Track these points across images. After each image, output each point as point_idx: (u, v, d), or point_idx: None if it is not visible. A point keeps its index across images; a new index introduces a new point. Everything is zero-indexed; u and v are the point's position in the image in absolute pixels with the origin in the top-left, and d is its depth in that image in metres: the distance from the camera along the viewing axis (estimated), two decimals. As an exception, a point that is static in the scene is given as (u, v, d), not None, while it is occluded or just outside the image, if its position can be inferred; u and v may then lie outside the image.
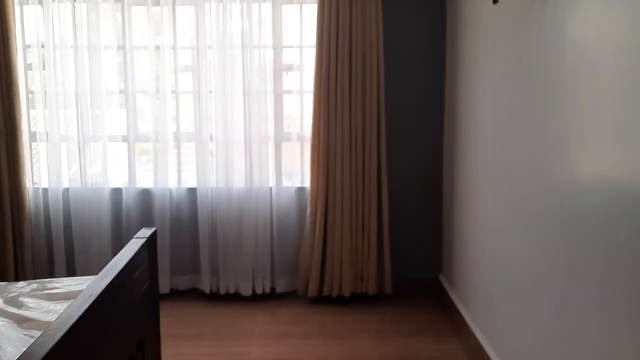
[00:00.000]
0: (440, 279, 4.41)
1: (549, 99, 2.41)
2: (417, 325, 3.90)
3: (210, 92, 4.22)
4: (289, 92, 4.31)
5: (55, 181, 4.27)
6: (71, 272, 4.32)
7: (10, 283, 2.67)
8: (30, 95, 4.26)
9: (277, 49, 4.24)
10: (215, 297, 4.33)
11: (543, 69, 2.47)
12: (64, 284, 2.61)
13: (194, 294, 4.39)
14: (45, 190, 4.30)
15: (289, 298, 4.32)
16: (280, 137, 4.34)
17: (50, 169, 4.27)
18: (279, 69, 4.27)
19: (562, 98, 2.29)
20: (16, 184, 4.17)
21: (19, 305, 2.39)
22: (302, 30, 4.21)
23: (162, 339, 2.76)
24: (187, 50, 4.25)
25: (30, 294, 2.50)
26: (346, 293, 4.20)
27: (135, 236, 2.51)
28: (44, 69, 4.21)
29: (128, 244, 2.41)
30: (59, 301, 2.44)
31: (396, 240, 4.32)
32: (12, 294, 2.50)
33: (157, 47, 4.21)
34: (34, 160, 4.34)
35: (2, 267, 4.22)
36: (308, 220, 4.21)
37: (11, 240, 4.20)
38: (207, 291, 4.33)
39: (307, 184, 4.26)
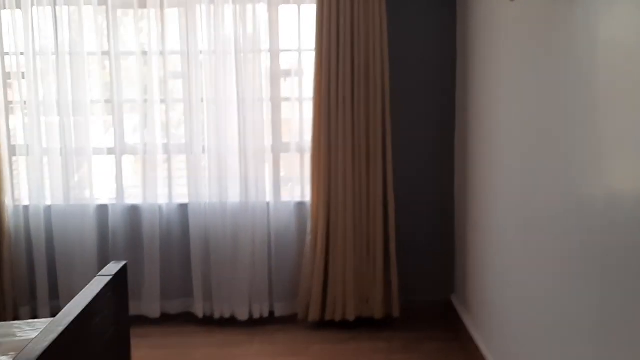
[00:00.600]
0: (452, 300, 4.06)
1: (577, 105, 2.08)
2: (427, 355, 3.55)
3: (202, 100, 3.91)
4: (287, 99, 3.99)
5: (37, 198, 3.97)
6: (54, 295, 4.01)
7: None
8: (10, 106, 3.96)
9: (274, 53, 3.93)
10: (209, 322, 4.00)
11: (570, 72, 2.14)
12: (22, 330, 2.26)
13: (186, 318, 4.07)
14: (25, 207, 4.00)
15: (288, 323, 3.99)
16: (278, 148, 4.02)
17: (31, 185, 3.96)
18: (276, 75, 3.95)
19: (594, 105, 1.96)
20: (-6, 202, 3.87)
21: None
22: (300, 32, 3.90)
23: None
24: (176, 56, 3.94)
25: None
26: (350, 317, 3.86)
27: (99, 273, 2.19)
28: (23, 78, 3.92)
29: (90, 284, 2.09)
30: (6, 355, 2.11)
31: (404, 259, 3.98)
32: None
33: (145, 53, 3.91)
34: (14, 174, 4.03)
35: (-20, 292, 3.91)
36: (309, 238, 3.88)
37: (-11, 263, 3.90)
38: (200, 315, 4.00)
39: (308, 198, 3.93)
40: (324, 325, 3.90)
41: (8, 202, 3.95)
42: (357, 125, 3.75)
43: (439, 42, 4.00)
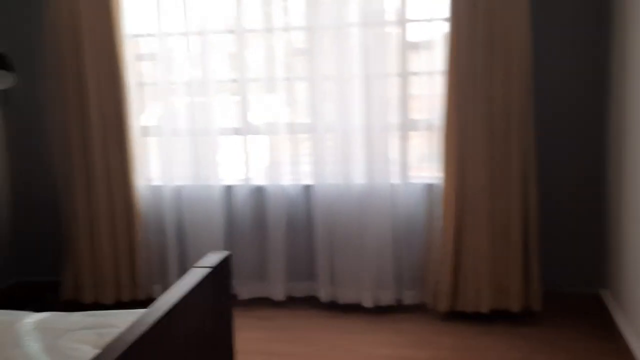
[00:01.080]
0: (602, 295, 3.62)
1: None
2: (572, 355, 3.17)
3: (326, 77, 3.73)
4: (416, 73, 3.71)
5: (167, 178, 4.01)
6: (184, 273, 4.04)
7: (69, 314, 2.32)
8: (141, 88, 4.01)
9: (402, 23, 3.66)
10: (333, 307, 3.86)
11: None
12: (120, 319, 2.20)
13: (310, 302, 3.96)
14: (156, 187, 4.06)
15: (416, 312, 3.75)
16: (405, 126, 3.76)
17: (162, 166, 4.01)
18: (404, 47, 3.68)
19: None
20: (127, 182, 3.96)
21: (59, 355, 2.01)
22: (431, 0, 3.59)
23: (267, 355, 2.28)
24: (300, 32, 3.79)
25: (78, 337, 2.09)
26: (484, 309, 3.55)
27: (196, 264, 2.08)
28: (154, 59, 3.95)
29: (185, 275, 1.99)
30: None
31: (546, 246, 3.60)
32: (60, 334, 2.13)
33: (269, 30, 3.79)
34: (145, 155, 4.10)
35: (115, 269, 4.03)
36: (438, 223, 3.60)
37: (124, 241, 4.01)
38: (325, 300, 3.88)
39: (437, 180, 3.64)
40: (454, 316, 3.63)
41: (140, 182, 4.03)
42: (494, 101, 3.40)
43: (591, 8, 3.53)
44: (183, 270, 4.04)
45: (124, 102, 3.87)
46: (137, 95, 3.98)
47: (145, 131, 4.04)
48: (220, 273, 2.12)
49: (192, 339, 1.92)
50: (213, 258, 2.16)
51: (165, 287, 4.08)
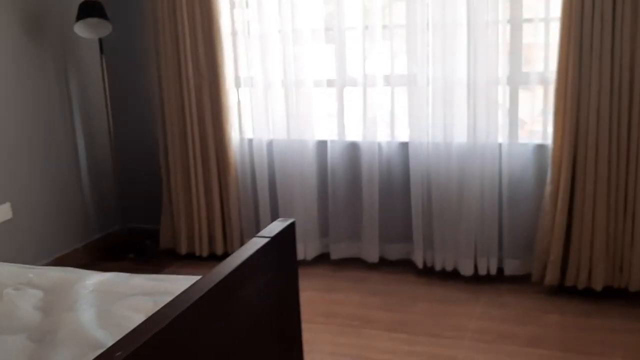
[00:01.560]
0: None
1: None
2: (699, 345, 2.78)
3: (428, 25, 3.40)
4: (529, 20, 3.31)
5: (260, 132, 3.89)
6: (276, 230, 3.96)
7: (131, 276, 2.24)
8: (235, 36, 3.87)
9: (515, -37, 3.25)
10: (430, 273, 3.64)
11: None
12: (178, 285, 2.10)
13: (405, 266, 3.75)
14: (250, 141, 3.96)
15: (520, 284, 3.45)
16: (515, 79, 3.38)
17: (255, 119, 3.89)
18: (516, -9, 3.28)
19: None
20: (220, 135, 3.88)
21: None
22: None
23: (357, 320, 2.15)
24: (400, -25, 3.47)
25: (134, 303, 2.02)
26: (597, 286, 3.19)
27: (258, 234, 1.92)
28: (247, 7, 3.79)
29: (245, 246, 1.84)
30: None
31: (675, 220, 3.15)
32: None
33: (366, -27, 3.50)
34: (240, 107, 3.99)
35: (210, 223, 4.02)
36: (549, 188, 3.25)
37: (217, 195, 3.96)
38: (420, 265, 3.66)
39: (550, 140, 3.27)
40: (562, 291, 3.30)
41: (234, 135, 3.94)
42: (618, 53, 2.95)
43: None
44: (275, 225, 3.96)
45: (218, 52, 3.75)
46: (230, 44, 3.85)
47: (239, 82, 3.91)
48: (282, 243, 1.95)
49: (250, 308, 1.79)
50: (275, 226, 2.00)
51: (258, 242, 4.02)
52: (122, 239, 4.31)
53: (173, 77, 3.85)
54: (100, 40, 3.93)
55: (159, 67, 3.89)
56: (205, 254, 4.04)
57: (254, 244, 1.85)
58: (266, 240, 1.88)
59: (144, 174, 4.33)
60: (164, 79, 3.87)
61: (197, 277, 1.88)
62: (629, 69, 2.96)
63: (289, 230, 2.01)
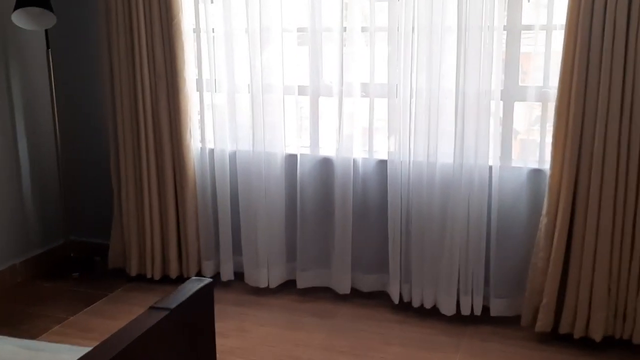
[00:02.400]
0: None
1: None
2: None
3: (413, 29, 2.98)
4: (529, 27, 2.90)
5: (223, 142, 3.46)
6: (237, 251, 3.52)
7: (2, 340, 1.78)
8: (197, 34, 3.44)
9: (514, -39, 2.84)
10: (407, 310, 3.21)
11: None
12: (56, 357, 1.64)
13: (379, 300, 3.32)
14: (211, 151, 3.52)
15: (507, 327, 3.02)
16: (511, 94, 2.98)
17: (217, 127, 3.45)
18: (514, -7, 2.87)
19: None
20: (179, 144, 3.44)
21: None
22: None
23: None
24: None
25: None
26: (596, 336, 2.77)
27: (153, 304, 1.48)
28: (211, 2, 3.36)
29: (140, 317, 1.39)
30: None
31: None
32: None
33: (346, -32, 3.09)
34: (203, 115, 3.56)
35: (164, 241, 3.57)
36: (544, 220, 2.82)
37: (172, 211, 3.52)
38: (396, 300, 3.22)
39: (547, 165, 2.84)
40: (556, 339, 2.87)
41: (194, 144, 3.50)
42: (631, 65, 2.54)
43: None
44: (237, 247, 3.53)
45: (178, 50, 3.32)
46: (193, 43, 3.42)
47: (201, 85, 3.48)
48: (189, 314, 1.51)
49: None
50: (184, 290, 1.55)
51: (217, 264, 3.60)
52: (66, 255, 3.86)
53: (126, 78, 3.41)
54: (47, 33, 3.49)
55: (112, 66, 3.45)
56: (157, 276, 3.59)
57: (148, 318, 1.40)
58: (165, 313, 1.42)
59: (95, 182, 3.88)
60: (116, 79, 3.44)
61: (84, 349, 1.42)
62: (643, 86, 2.54)
63: (202, 295, 1.55)
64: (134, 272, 3.62)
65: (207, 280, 1.58)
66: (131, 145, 3.49)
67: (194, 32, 3.43)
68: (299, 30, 3.29)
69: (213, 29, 3.36)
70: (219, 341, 2.91)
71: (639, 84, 2.53)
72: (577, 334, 2.79)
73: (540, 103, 2.94)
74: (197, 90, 3.48)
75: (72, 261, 3.82)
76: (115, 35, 3.37)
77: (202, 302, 1.57)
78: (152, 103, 3.42)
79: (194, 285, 1.56)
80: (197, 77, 3.46)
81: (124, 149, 3.50)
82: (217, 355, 1.83)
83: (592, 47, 2.56)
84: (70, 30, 3.70)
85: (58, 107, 3.63)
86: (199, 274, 3.60)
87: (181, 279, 3.58)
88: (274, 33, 3.25)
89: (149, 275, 3.60)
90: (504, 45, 2.92)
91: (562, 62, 2.63)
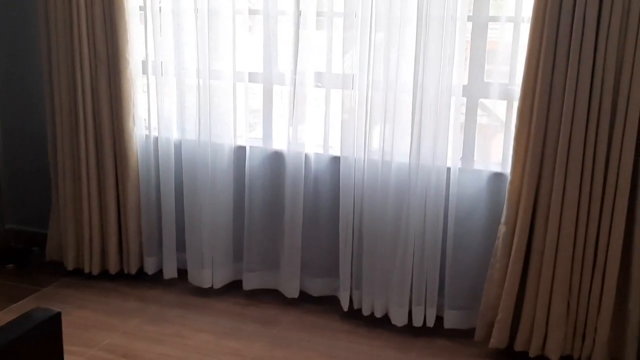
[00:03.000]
0: None
1: None
2: None
3: (371, 16, 2.74)
4: (495, 19, 2.67)
5: (168, 130, 3.21)
6: (181, 247, 3.28)
7: None
8: (140, 12, 3.18)
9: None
10: (356, 318, 2.99)
11: None
12: None
13: (329, 306, 3.11)
14: (155, 140, 3.27)
15: (460, 341, 2.82)
16: (474, 91, 2.75)
17: (162, 114, 3.20)
18: (481, -19, 2.63)
19: None
20: (120, 131, 3.19)
21: None
22: None
23: None
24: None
25: None
26: (553, 355, 2.57)
27: None
28: (159, -22, 3.10)
29: None
30: None
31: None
32: None
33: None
34: (149, 98, 3.29)
35: (104, 234, 3.33)
36: (503, 229, 2.61)
37: (114, 202, 3.28)
38: (345, 307, 3.01)
39: (509, 169, 2.62)
40: (510, 356, 2.67)
41: (138, 131, 3.25)
42: (600, 68, 2.31)
43: None
44: (181, 244, 3.29)
45: (120, 29, 3.06)
46: (137, 22, 3.15)
47: (146, 68, 3.22)
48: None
49: None
50: (20, 323, 1.30)
51: (159, 261, 3.36)
52: (1, 245, 3.60)
53: (64, 58, 3.15)
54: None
55: (49, 46, 3.19)
56: (96, 271, 3.36)
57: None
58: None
59: (34, 166, 3.61)
60: (54, 58, 3.17)
61: None
62: (613, 91, 2.32)
63: (45, 330, 1.29)
64: (71, 265, 3.39)
65: (55, 311, 1.34)
66: (69, 130, 3.24)
67: (140, 10, 3.17)
68: (252, 12, 3.04)
69: (160, 7, 3.10)
70: (152, 347, 2.72)
71: (608, 85, 2.30)
72: (533, 352, 2.59)
73: (505, 101, 2.72)
74: (143, 74, 3.22)
75: (8, 251, 3.58)
76: (53, 12, 3.11)
77: (37, 343, 1.31)
78: (92, 86, 3.16)
79: (42, 313, 1.31)
80: (143, 60, 3.21)
81: (62, 135, 3.25)
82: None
83: (559, 43, 2.33)
84: (7, 3, 3.43)
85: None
86: (141, 270, 3.37)
87: (121, 275, 3.36)
88: (224, 15, 3.00)
89: (86, 270, 3.36)
90: (469, 38, 2.69)
91: (526, 59, 2.40)
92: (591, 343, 2.53)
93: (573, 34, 2.29)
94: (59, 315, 1.36)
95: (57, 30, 3.12)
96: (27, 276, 3.42)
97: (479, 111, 2.77)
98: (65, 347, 2.56)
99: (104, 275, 3.36)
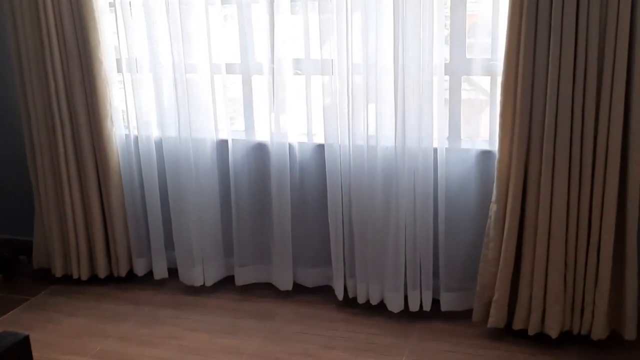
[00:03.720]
0: None
1: None
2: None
3: (346, -4, 2.66)
4: (474, -9, 2.60)
5: (147, 128, 3.14)
6: (169, 245, 3.22)
7: None
8: (110, 8, 3.09)
9: None
10: (352, 306, 2.95)
11: None
12: None
13: (324, 296, 3.06)
14: (135, 139, 3.20)
15: (458, 323, 2.78)
16: (456, 68, 2.68)
17: (140, 112, 3.13)
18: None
19: None
20: (98, 131, 3.11)
21: None
22: None
23: None
24: None
25: None
26: (552, 332, 2.53)
27: None
28: (126, -29, 3.00)
29: None
30: None
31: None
32: None
33: None
34: (126, 96, 3.21)
35: (90, 239, 3.26)
36: (494, 207, 2.56)
37: (98, 204, 3.21)
38: (340, 297, 2.96)
39: (497, 146, 2.56)
40: (510, 335, 2.63)
41: (117, 131, 3.17)
42: (583, 31, 2.25)
43: None
44: (169, 242, 3.23)
45: (90, 26, 2.96)
46: (108, 18, 3.07)
47: (120, 66, 3.14)
48: None
49: None
50: None
51: (149, 262, 3.31)
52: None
53: (35, 57, 3.06)
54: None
55: (18, 45, 3.09)
56: (85, 276, 3.29)
57: None
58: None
59: (15, 173, 3.53)
60: (24, 58, 3.08)
61: None
62: (598, 63, 2.26)
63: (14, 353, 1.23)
64: (59, 272, 3.33)
65: (22, 335, 1.27)
66: (46, 135, 3.16)
67: (110, 6, 3.08)
68: (224, 2, 2.96)
69: (130, 2, 3.01)
70: (147, 351, 2.67)
71: (592, 53, 2.24)
72: (532, 330, 2.55)
73: (489, 77, 2.66)
74: (118, 71, 3.14)
75: (-4, 259, 3.51)
76: (19, 12, 3.01)
77: None
78: (66, 89, 3.08)
79: (11, 337, 1.25)
80: (117, 58, 3.13)
81: (39, 140, 3.18)
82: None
83: (540, 11, 2.26)
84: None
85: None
86: (130, 272, 3.31)
87: (111, 279, 3.30)
88: (196, 6, 2.91)
89: (75, 276, 3.30)
90: (448, 12, 2.62)
91: (507, 32, 2.34)
92: (590, 317, 2.49)
93: (554, 3, 2.22)
94: (27, 339, 1.30)
95: (25, 31, 3.02)
96: (15, 286, 3.35)
97: (463, 89, 2.71)
98: (57, 357, 2.55)
99: (94, 279, 3.30)
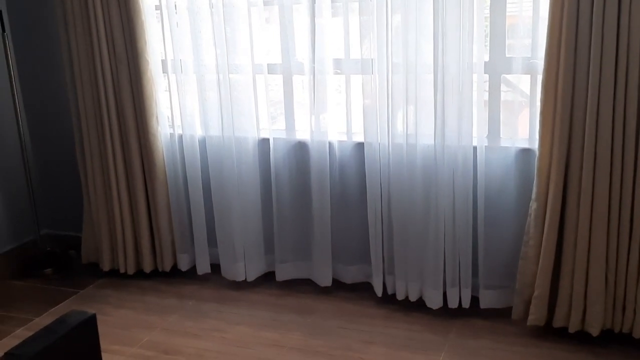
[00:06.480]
0: None
1: None
2: None
3: (386, -2, 2.70)
4: (514, -9, 2.61)
5: (191, 127, 3.23)
6: (213, 242, 3.30)
7: None
8: (156, 12, 3.19)
9: None
10: (391, 303, 2.99)
11: None
12: None
13: (363, 292, 3.10)
14: (180, 137, 3.29)
15: (498, 320, 2.79)
16: (497, 67, 2.70)
17: (185, 111, 3.22)
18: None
19: None
20: (145, 131, 3.22)
21: None
22: None
23: None
24: None
25: None
26: (593, 330, 2.53)
27: (9, 350, 1.25)
28: (172, -24, 3.10)
29: None
30: None
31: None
32: None
33: None
34: (171, 96, 3.31)
35: (136, 234, 3.37)
36: (534, 205, 2.57)
37: (144, 202, 3.32)
38: (379, 293, 3.00)
39: (537, 144, 2.57)
40: (550, 333, 2.64)
41: (163, 130, 3.27)
42: (625, 30, 2.25)
43: None
44: (212, 238, 3.31)
45: (137, 29, 3.08)
46: (154, 21, 3.17)
47: (166, 67, 3.23)
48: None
49: None
50: (47, 336, 1.31)
51: (192, 257, 3.40)
52: (39, 250, 3.67)
53: (86, 63, 3.19)
54: (0, 12, 3.26)
55: (70, 52, 3.22)
56: (131, 271, 3.40)
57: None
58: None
59: (66, 171, 3.67)
60: (75, 62, 3.21)
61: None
62: (639, 52, 2.25)
63: (82, 332, 1.31)
64: (106, 266, 3.44)
65: (89, 314, 1.35)
66: (95, 135, 3.28)
67: (156, 9, 3.18)
68: (267, 3, 3.03)
69: (175, 5, 3.11)
70: (192, 342, 2.76)
71: (634, 52, 2.24)
72: (573, 328, 2.55)
73: (529, 75, 2.67)
74: (164, 73, 3.24)
75: (46, 256, 3.64)
76: (71, 16, 3.13)
77: (74, 346, 1.33)
78: (115, 88, 3.19)
79: (77, 316, 1.33)
80: (162, 58, 3.22)
81: (89, 138, 3.30)
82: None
83: (581, 12, 2.27)
84: (30, 12, 3.47)
85: (22, 88, 3.42)
86: (175, 267, 3.41)
87: (156, 273, 3.40)
88: (239, 8, 2.99)
89: (122, 270, 3.41)
90: (488, 12, 2.64)
91: (548, 31, 2.35)
92: (632, 315, 2.48)
93: (595, 3, 2.23)
94: (94, 317, 1.38)
95: (76, 34, 3.15)
96: (65, 279, 3.48)
97: (502, 87, 2.72)
98: (106, 347, 2.64)
99: (140, 274, 3.41)
